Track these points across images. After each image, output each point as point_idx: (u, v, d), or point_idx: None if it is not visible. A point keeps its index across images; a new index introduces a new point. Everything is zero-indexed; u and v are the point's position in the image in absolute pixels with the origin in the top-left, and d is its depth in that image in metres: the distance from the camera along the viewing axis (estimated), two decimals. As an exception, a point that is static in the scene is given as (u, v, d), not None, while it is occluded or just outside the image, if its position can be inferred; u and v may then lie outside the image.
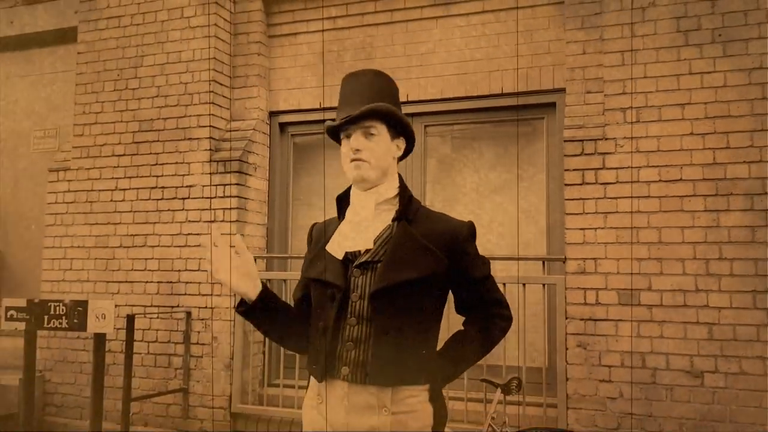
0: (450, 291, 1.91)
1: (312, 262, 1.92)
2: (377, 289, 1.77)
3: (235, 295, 1.87)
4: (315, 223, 2.06)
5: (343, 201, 1.96)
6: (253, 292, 1.84)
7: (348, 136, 1.88)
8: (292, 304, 2.02)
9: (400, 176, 1.95)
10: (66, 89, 5.96)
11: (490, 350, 1.96)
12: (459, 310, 1.97)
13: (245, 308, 1.86)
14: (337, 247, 1.87)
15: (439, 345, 1.92)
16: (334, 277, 1.83)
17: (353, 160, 1.85)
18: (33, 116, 6.18)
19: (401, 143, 1.93)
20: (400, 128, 1.90)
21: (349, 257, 1.85)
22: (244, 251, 1.83)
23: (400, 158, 1.96)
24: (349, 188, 1.96)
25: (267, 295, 1.87)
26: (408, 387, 1.78)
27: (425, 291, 1.80)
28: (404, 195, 1.90)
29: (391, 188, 1.90)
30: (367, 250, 1.83)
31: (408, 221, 1.85)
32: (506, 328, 1.94)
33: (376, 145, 1.85)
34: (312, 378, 1.90)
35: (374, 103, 1.83)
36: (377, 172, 1.85)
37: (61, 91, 6.04)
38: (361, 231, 1.86)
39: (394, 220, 1.86)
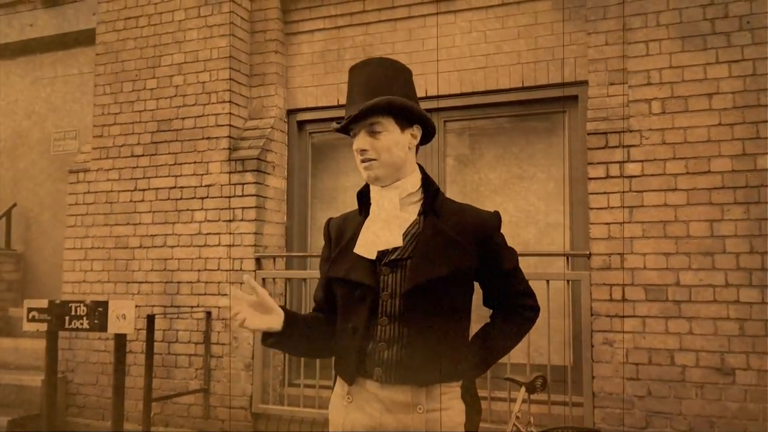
0: (477, 283, 1.85)
1: (336, 261, 1.85)
2: (410, 287, 1.71)
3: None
4: (330, 219, 1.98)
5: (363, 196, 1.89)
6: (277, 323, 1.77)
7: (355, 136, 1.80)
8: (313, 304, 1.98)
9: (421, 167, 1.88)
10: (84, 91, 5.98)
11: (518, 342, 1.90)
12: (486, 302, 1.91)
13: (273, 339, 1.81)
14: (367, 247, 1.80)
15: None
16: (363, 276, 1.76)
17: (362, 160, 1.79)
18: (52, 118, 6.21)
19: (416, 131, 1.83)
20: (409, 116, 1.81)
21: (378, 255, 1.78)
22: (256, 288, 1.76)
23: (422, 143, 1.89)
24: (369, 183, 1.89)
25: (289, 321, 1.80)
26: (442, 385, 1.74)
27: (456, 286, 1.75)
28: (429, 187, 1.83)
29: (414, 181, 1.83)
30: (396, 248, 1.77)
31: (435, 215, 1.79)
32: (534, 318, 1.89)
33: (383, 142, 1.76)
34: (339, 379, 1.85)
35: (377, 96, 1.74)
36: (389, 169, 1.78)
37: (80, 93, 6.06)
38: (391, 229, 1.79)
39: (420, 214, 1.80)
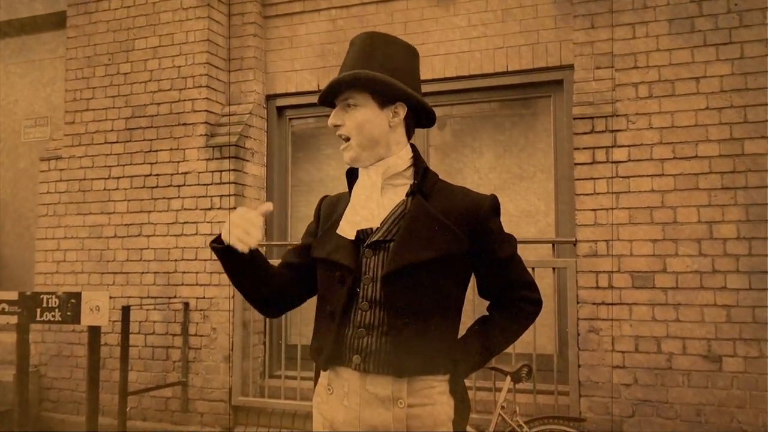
0: (472, 273, 1.74)
1: (320, 241, 1.77)
2: (389, 271, 1.61)
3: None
4: (325, 196, 1.89)
5: (353, 175, 1.80)
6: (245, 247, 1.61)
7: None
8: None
9: (413, 147, 1.78)
10: (55, 76, 5.79)
11: (518, 337, 1.79)
12: (482, 293, 1.80)
13: (222, 246, 1.64)
14: (347, 227, 1.70)
15: (461, 332, 1.76)
16: (344, 257, 1.67)
17: (340, 137, 1.72)
18: (22, 105, 6.02)
19: (399, 108, 1.71)
20: (390, 93, 1.69)
21: (361, 236, 1.68)
22: (259, 220, 1.63)
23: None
24: None
25: (258, 257, 1.73)
26: (426, 377, 1.63)
27: (443, 272, 1.64)
28: (419, 167, 1.73)
29: (402, 160, 1.72)
30: (379, 229, 1.67)
31: (424, 196, 1.69)
32: (536, 312, 1.77)
33: (356, 117, 1.68)
34: (322, 372, 1.75)
35: (356, 70, 1.66)
36: (366, 148, 1.69)
37: (51, 78, 5.87)
38: (371, 208, 1.69)
39: (408, 195, 1.70)
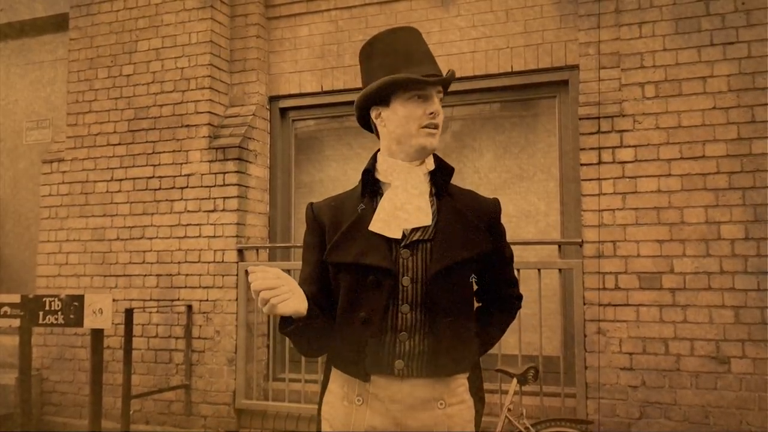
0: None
1: (339, 246, 1.66)
2: (437, 270, 1.59)
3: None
4: (312, 203, 1.79)
5: (370, 174, 1.73)
6: (303, 307, 1.54)
7: (421, 98, 1.65)
8: None
9: None
10: (55, 77, 5.77)
11: (505, 331, 1.88)
12: (479, 292, 1.83)
13: (293, 327, 1.57)
14: (388, 225, 1.63)
15: None
16: (379, 259, 1.60)
17: (428, 125, 1.65)
18: (25, 107, 6.00)
19: None
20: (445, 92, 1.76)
21: (392, 237, 1.64)
22: (280, 275, 1.51)
23: None
24: (374, 160, 1.74)
25: (311, 308, 1.60)
26: (458, 376, 1.66)
27: (471, 271, 1.69)
28: (444, 168, 1.74)
29: (431, 161, 1.73)
30: (415, 229, 1.64)
31: (450, 196, 1.71)
32: (519, 308, 1.89)
33: (442, 113, 1.70)
34: (338, 377, 1.68)
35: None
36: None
37: (51, 80, 5.86)
38: (420, 206, 1.66)
39: (432, 194, 1.70)
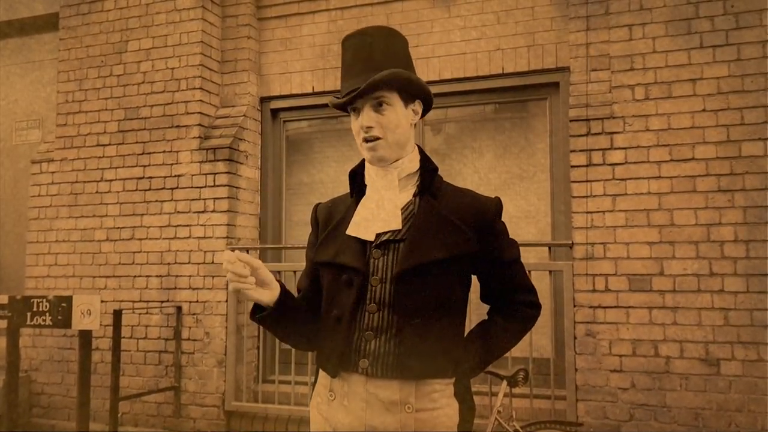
0: (475, 275, 1.71)
1: (323, 245, 1.72)
2: (401, 270, 1.57)
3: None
4: (318, 204, 1.85)
5: (357, 176, 1.74)
6: (270, 298, 1.63)
7: (356, 111, 1.65)
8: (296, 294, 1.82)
9: (419, 147, 1.76)
10: (55, 77, 5.74)
11: (518, 340, 1.76)
12: (484, 297, 1.77)
13: (263, 315, 1.64)
14: (362, 228, 1.65)
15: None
16: (351, 259, 1.62)
17: (366, 140, 1.63)
18: (22, 105, 5.96)
19: (417, 106, 1.71)
20: (413, 91, 1.68)
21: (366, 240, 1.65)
22: (251, 261, 1.59)
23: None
24: (363, 161, 1.75)
25: (284, 299, 1.65)
26: (433, 381, 1.59)
27: (451, 273, 1.61)
28: (427, 167, 1.71)
29: (413, 161, 1.70)
30: (390, 229, 1.63)
31: (432, 196, 1.67)
32: (535, 316, 1.75)
33: (389, 118, 1.62)
34: (321, 373, 1.71)
35: (381, 69, 1.60)
36: (394, 148, 1.65)
37: (51, 79, 5.82)
38: (389, 209, 1.65)
39: (415, 195, 1.67)
